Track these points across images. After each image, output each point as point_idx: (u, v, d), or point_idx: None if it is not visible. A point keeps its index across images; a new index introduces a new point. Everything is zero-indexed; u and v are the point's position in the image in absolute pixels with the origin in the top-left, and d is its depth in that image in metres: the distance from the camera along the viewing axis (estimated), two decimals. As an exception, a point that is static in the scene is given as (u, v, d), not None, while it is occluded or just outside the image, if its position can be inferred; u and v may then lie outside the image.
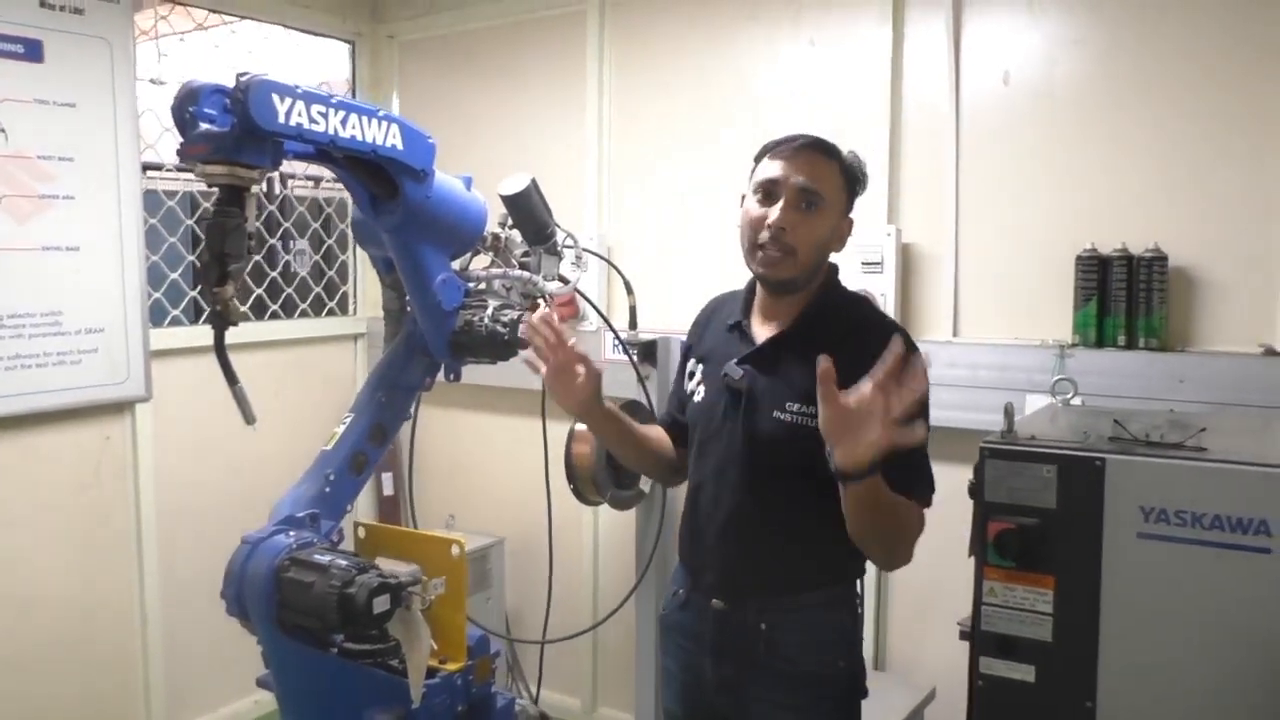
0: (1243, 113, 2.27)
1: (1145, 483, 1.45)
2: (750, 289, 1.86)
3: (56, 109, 2.69)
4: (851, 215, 1.77)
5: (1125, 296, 2.35)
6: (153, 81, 3.02)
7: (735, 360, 1.77)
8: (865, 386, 1.41)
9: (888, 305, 2.63)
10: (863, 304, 1.87)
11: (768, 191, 1.70)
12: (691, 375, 1.90)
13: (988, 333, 2.58)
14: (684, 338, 2.03)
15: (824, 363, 1.42)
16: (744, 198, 1.79)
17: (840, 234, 1.76)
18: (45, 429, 2.77)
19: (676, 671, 1.90)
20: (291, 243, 3.55)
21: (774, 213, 1.67)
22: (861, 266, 2.65)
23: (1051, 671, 1.52)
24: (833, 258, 1.80)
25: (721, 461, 1.78)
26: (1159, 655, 1.46)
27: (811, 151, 1.70)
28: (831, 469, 1.47)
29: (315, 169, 3.49)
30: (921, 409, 1.47)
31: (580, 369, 1.75)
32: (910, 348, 1.70)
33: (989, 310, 2.59)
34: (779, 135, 1.76)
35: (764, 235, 1.69)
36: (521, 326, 1.82)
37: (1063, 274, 2.43)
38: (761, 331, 1.80)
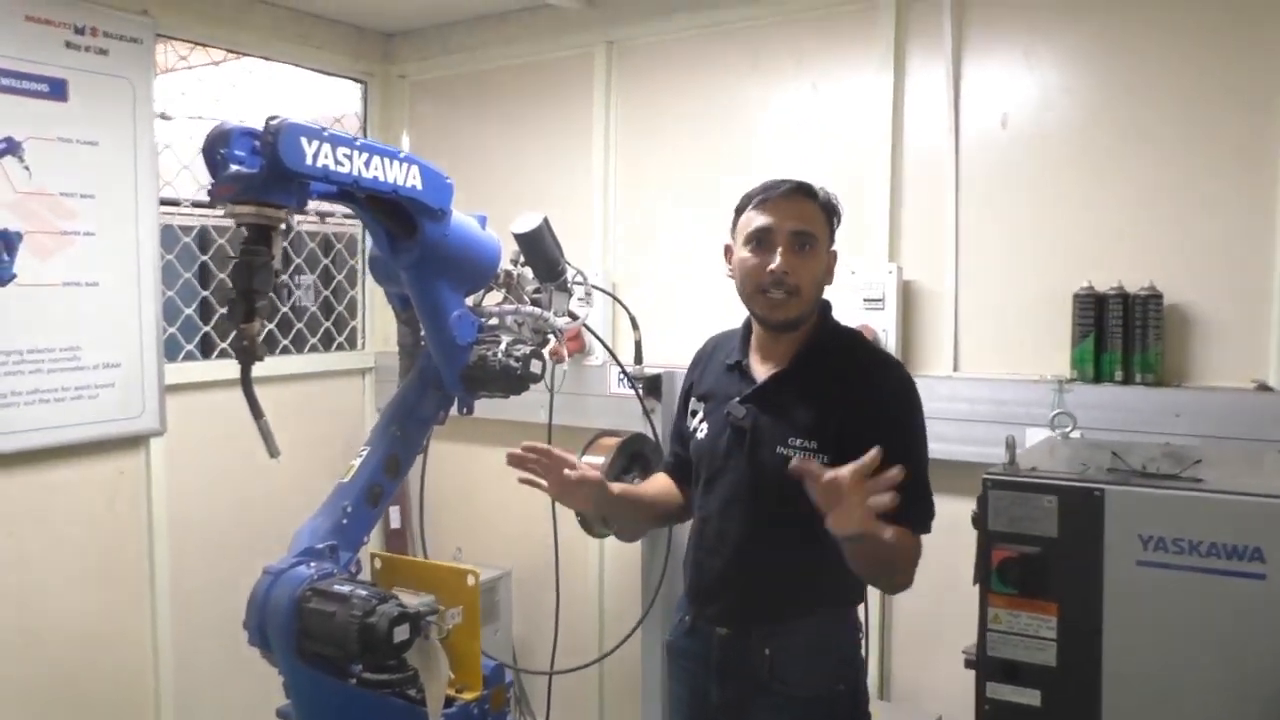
0: (1232, 155, 2.34)
1: (1143, 512, 1.50)
2: (746, 329, 1.94)
3: (79, 147, 2.76)
4: (834, 248, 1.87)
5: (1122, 333, 2.40)
6: (162, 117, 3.08)
7: (738, 399, 1.84)
8: (844, 471, 1.50)
9: (889, 341, 2.69)
10: (860, 339, 1.95)
11: (760, 240, 1.79)
12: (694, 414, 1.98)
13: (987, 368, 2.63)
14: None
15: (796, 463, 1.55)
16: (728, 249, 1.89)
17: (830, 267, 1.86)
18: (61, 463, 2.80)
19: (684, 696, 1.96)
20: (299, 278, 3.61)
21: (775, 259, 1.76)
22: (863, 303, 2.72)
23: (1056, 696, 1.57)
24: (827, 294, 1.89)
25: (727, 496, 1.85)
26: (1161, 679, 1.51)
27: (796, 195, 1.80)
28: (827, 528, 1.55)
29: (322, 204, 3.55)
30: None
31: (578, 475, 1.85)
32: (908, 382, 1.80)
33: (988, 346, 2.64)
34: (761, 183, 1.85)
35: (767, 280, 1.77)
36: (508, 460, 1.90)
37: (1060, 311, 2.49)
38: (761, 370, 1.87)
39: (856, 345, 1.90)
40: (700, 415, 1.94)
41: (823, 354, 1.83)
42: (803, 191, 1.81)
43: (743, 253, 1.82)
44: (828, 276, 1.85)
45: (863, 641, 1.91)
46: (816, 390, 1.78)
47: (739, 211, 1.87)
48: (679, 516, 2.10)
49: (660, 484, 2.11)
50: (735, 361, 1.90)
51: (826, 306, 1.90)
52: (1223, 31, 2.35)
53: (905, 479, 1.69)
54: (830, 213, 1.85)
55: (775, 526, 1.78)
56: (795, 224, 1.77)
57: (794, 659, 1.78)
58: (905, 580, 1.76)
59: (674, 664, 1.99)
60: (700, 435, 1.92)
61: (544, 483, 1.87)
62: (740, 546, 1.82)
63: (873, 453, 1.49)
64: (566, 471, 1.84)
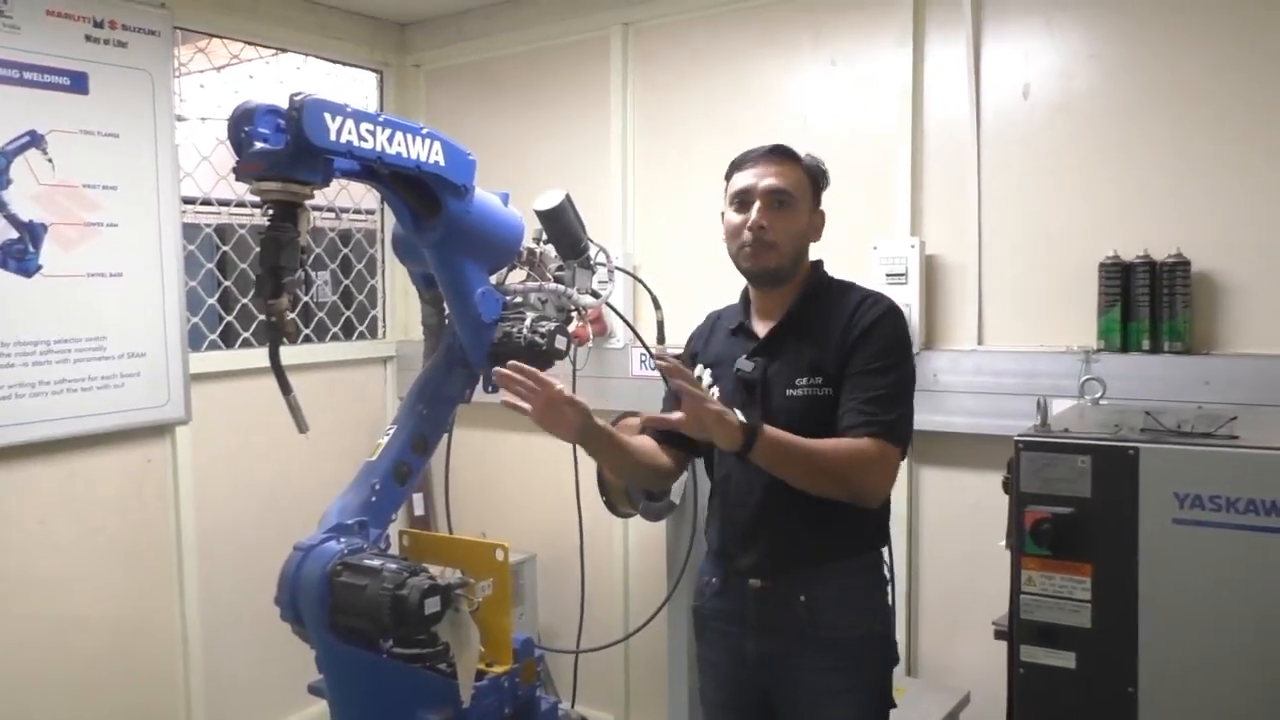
0: (1256, 119, 2.31)
1: (1179, 470, 1.49)
2: (745, 297, 2.03)
3: (101, 139, 2.78)
4: (822, 208, 1.96)
5: (1149, 301, 2.38)
6: (178, 118, 3.09)
7: (745, 355, 1.93)
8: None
9: (912, 315, 2.67)
10: (852, 285, 1.98)
11: (742, 201, 1.90)
12: (700, 380, 2.00)
13: (1012, 340, 2.62)
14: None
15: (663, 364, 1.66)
16: (723, 214, 1.97)
17: (815, 226, 1.95)
18: (89, 451, 2.83)
19: (718, 659, 1.98)
20: (318, 272, 3.64)
21: (752, 214, 1.87)
22: (886, 278, 2.70)
23: (1092, 658, 1.55)
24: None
25: None
26: (1198, 639, 1.49)
27: (774, 156, 1.90)
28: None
29: (339, 201, 3.58)
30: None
31: (565, 395, 1.81)
32: (895, 310, 1.88)
33: (1013, 318, 2.63)
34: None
35: (746, 236, 1.88)
36: (495, 377, 1.84)
37: (1085, 281, 2.47)
38: (762, 328, 1.97)
39: (848, 289, 1.96)
40: (707, 380, 2.00)
41: (816, 301, 1.92)
42: (780, 153, 1.91)
43: (728, 213, 1.94)
44: (813, 234, 1.95)
45: (890, 589, 1.95)
46: (815, 333, 1.88)
47: (728, 178, 1.97)
48: (660, 478, 2.09)
49: (644, 442, 2.08)
50: (738, 325, 2.00)
51: (818, 263, 2.00)
52: (1248, -8, 2.32)
53: (875, 387, 1.79)
54: (814, 175, 1.93)
55: None
56: (772, 182, 1.87)
57: (831, 603, 1.83)
58: (861, 485, 1.77)
59: (705, 628, 2.01)
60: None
61: (527, 406, 1.79)
62: (765, 495, 1.87)
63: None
64: (556, 389, 1.79)
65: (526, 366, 1.81)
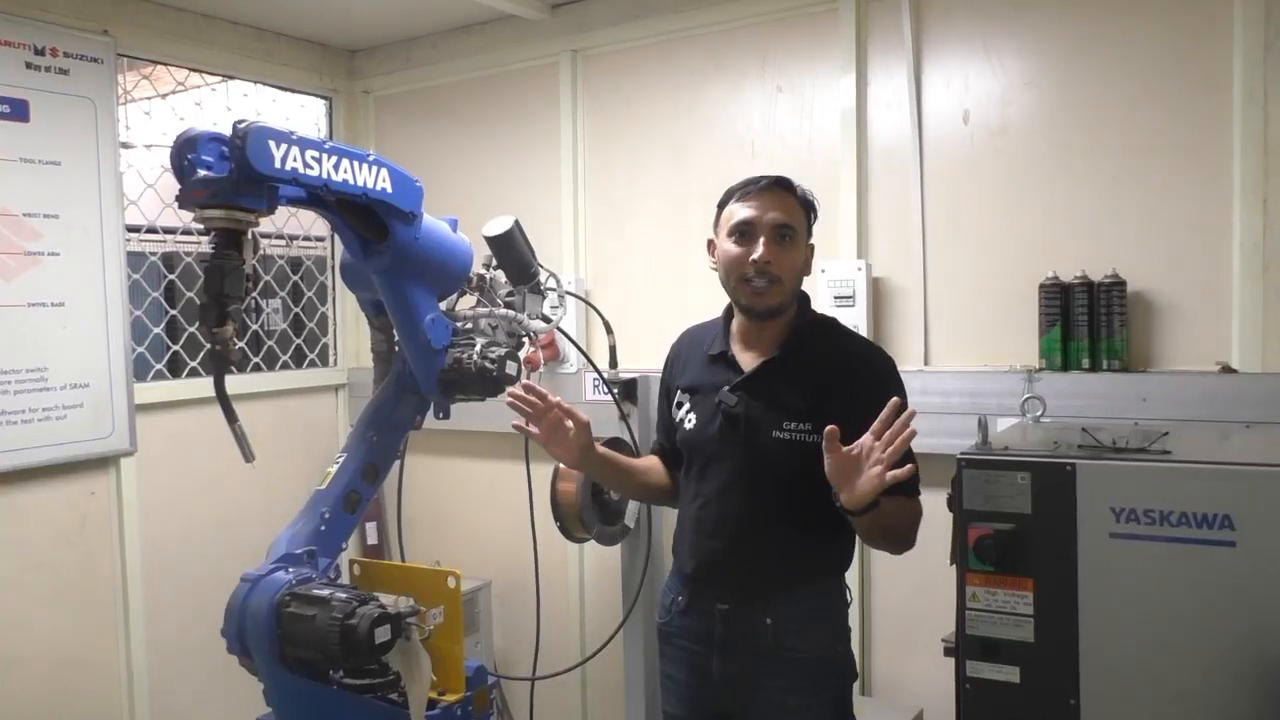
0: (1185, 143, 2.39)
1: (1114, 485, 1.53)
2: (726, 321, 2.00)
3: (42, 167, 2.74)
4: (811, 241, 1.96)
5: (1087, 321, 2.44)
6: (123, 145, 3.05)
7: (728, 387, 1.90)
8: (865, 438, 1.62)
9: (860, 337, 2.72)
10: (838, 325, 2.01)
11: (743, 232, 1.87)
12: (679, 405, 2.02)
13: (957, 360, 2.66)
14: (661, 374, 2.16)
15: (830, 428, 1.62)
16: (710, 243, 1.96)
17: (808, 259, 1.94)
18: (30, 485, 2.76)
19: (680, 675, 1.98)
20: (268, 300, 3.60)
21: (757, 249, 1.84)
22: (834, 300, 2.74)
23: (1035, 671, 1.58)
24: (805, 285, 1.97)
25: (725, 480, 1.90)
26: (1137, 650, 1.52)
27: (777, 189, 1.89)
28: (838, 506, 1.65)
29: (288, 228, 3.56)
30: (909, 449, 1.66)
31: (569, 424, 1.88)
32: (891, 364, 1.90)
33: (958, 339, 2.68)
34: (741, 179, 1.94)
35: (749, 270, 1.85)
36: (505, 397, 1.92)
37: (1027, 302, 2.53)
38: (747, 358, 1.94)
39: (837, 332, 1.98)
40: (687, 406, 1.99)
41: (807, 341, 1.91)
42: (783, 186, 1.90)
43: (726, 244, 1.90)
44: (806, 267, 1.94)
45: (850, 609, 1.98)
46: (806, 376, 1.87)
47: (722, 206, 1.95)
48: (666, 497, 2.14)
49: (651, 461, 2.16)
50: (720, 352, 1.97)
51: (805, 298, 1.99)
52: (1177, 18, 2.40)
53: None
54: (808, 208, 1.94)
55: (775, 503, 1.86)
56: (776, 216, 1.86)
57: (795, 624, 1.85)
58: (911, 543, 1.84)
59: (668, 646, 2.02)
60: (689, 425, 1.97)
61: (536, 430, 1.88)
62: (741, 528, 1.88)
63: (892, 401, 1.62)
64: (554, 401, 1.87)
65: (534, 385, 1.88)
